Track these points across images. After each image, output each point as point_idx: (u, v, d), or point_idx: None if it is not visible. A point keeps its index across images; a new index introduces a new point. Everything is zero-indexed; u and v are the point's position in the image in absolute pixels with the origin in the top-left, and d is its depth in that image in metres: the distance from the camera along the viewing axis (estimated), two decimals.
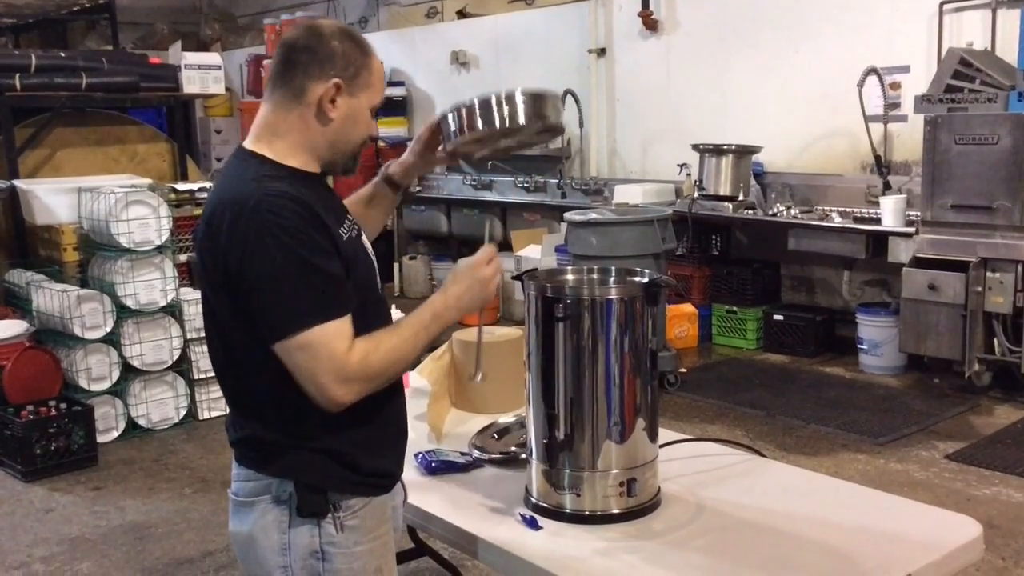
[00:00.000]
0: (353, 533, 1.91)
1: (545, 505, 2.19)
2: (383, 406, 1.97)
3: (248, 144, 1.92)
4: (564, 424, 2.15)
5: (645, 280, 2.22)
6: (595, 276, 2.36)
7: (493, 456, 2.53)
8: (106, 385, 5.45)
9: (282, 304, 1.77)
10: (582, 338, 2.11)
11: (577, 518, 2.14)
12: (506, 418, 2.72)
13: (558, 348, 2.13)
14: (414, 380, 3.01)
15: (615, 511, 2.14)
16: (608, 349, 2.12)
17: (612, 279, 2.34)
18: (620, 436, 2.14)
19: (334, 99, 1.88)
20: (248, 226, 1.76)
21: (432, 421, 2.73)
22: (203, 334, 5.57)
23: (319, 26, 1.90)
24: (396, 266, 9.34)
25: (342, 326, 1.81)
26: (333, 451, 1.89)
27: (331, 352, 1.78)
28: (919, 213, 5.71)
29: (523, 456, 2.35)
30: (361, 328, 1.85)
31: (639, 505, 2.16)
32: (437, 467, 2.48)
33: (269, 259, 1.75)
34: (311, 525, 1.89)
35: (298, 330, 1.76)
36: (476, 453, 2.54)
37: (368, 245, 2.04)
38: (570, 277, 2.38)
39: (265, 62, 10.85)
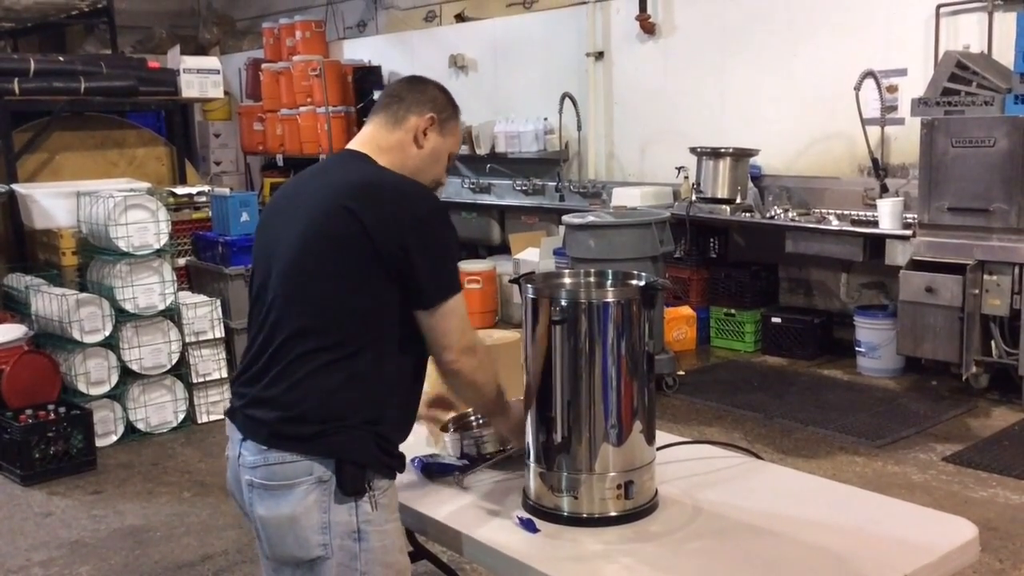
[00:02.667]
0: (384, 511, 2.06)
1: (542, 508, 2.19)
2: (415, 395, 2.20)
3: (355, 147, 2.22)
4: (561, 427, 2.15)
5: (642, 283, 2.22)
6: (593, 279, 2.37)
7: (485, 454, 2.51)
8: (105, 389, 5.45)
9: (449, 272, 2.09)
10: (579, 341, 2.12)
11: (574, 520, 2.15)
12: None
13: (555, 351, 2.14)
14: None
15: (612, 514, 2.15)
16: (605, 352, 2.12)
17: (610, 282, 2.35)
18: (617, 439, 2.15)
19: (426, 131, 2.20)
20: (416, 204, 2.06)
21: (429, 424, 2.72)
22: (201, 338, 5.70)
23: (425, 77, 2.32)
24: None
25: None
26: (375, 432, 2.05)
27: (468, 320, 2.13)
28: (916, 216, 5.71)
29: (521, 452, 2.35)
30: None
31: (636, 508, 2.17)
32: (434, 470, 2.48)
33: (438, 234, 2.06)
34: (349, 504, 2.02)
35: (456, 294, 2.08)
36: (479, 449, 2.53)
37: None
38: (568, 280, 2.38)
39: (264, 66, 10.86)
